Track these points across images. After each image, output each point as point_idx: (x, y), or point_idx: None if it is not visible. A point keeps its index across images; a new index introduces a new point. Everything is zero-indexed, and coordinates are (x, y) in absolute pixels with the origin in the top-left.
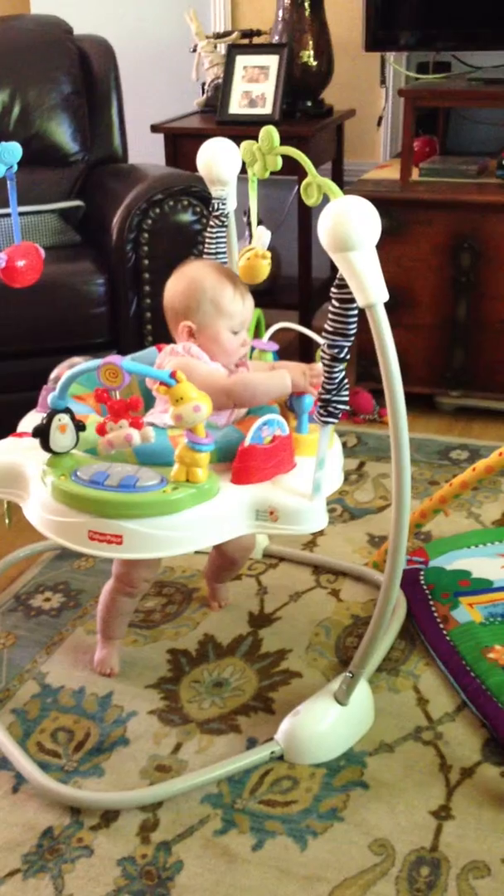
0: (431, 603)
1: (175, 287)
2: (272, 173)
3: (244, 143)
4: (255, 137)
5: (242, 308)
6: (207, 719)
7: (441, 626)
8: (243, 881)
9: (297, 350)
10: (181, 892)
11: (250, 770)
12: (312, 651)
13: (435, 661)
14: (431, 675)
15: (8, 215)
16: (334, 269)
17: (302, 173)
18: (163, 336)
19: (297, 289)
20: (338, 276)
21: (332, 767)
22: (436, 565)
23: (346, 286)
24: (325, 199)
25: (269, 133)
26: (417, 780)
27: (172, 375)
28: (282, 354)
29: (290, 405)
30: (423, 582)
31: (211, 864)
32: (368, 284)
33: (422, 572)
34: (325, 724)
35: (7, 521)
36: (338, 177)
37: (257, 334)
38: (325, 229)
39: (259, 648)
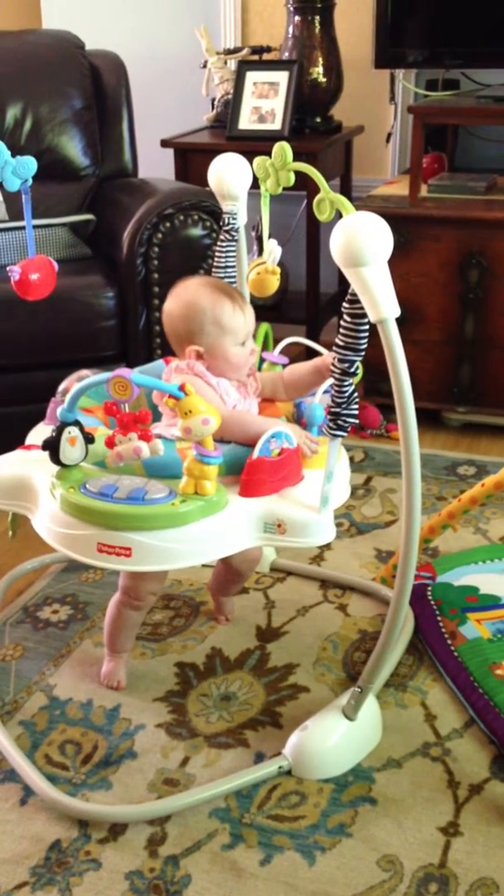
0: (439, 619)
1: (174, 312)
2: (283, 189)
3: (257, 159)
4: (265, 153)
5: (244, 320)
6: (215, 733)
7: (449, 642)
8: None
9: None
10: None
11: (258, 784)
12: (320, 666)
13: (443, 677)
14: (439, 690)
15: (21, 228)
16: (342, 283)
17: (311, 188)
18: (171, 350)
19: (304, 303)
20: (350, 291)
21: (340, 783)
22: (443, 581)
23: (357, 301)
24: (338, 215)
25: (283, 149)
26: (425, 796)
27: (181, 388)
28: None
29: (299, 417)
30: (430, 597)
31: (219, 879)
32: (380, 300)
33: (429, 588)
34: (334, 739)
35: (10, 532)
36: (346, 193)
37: (265, 347)
38: (338, 245)
39: (267, 662)
